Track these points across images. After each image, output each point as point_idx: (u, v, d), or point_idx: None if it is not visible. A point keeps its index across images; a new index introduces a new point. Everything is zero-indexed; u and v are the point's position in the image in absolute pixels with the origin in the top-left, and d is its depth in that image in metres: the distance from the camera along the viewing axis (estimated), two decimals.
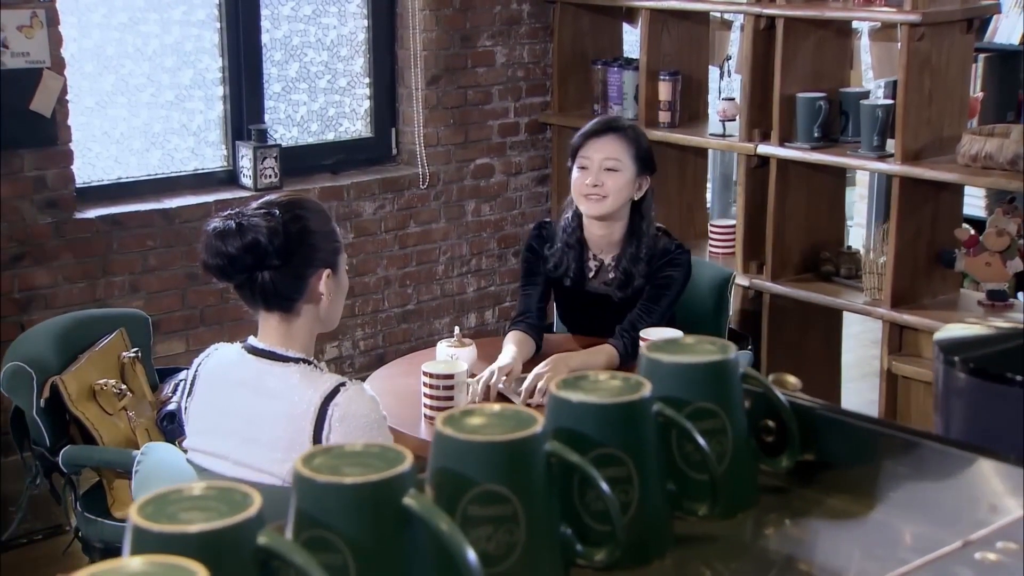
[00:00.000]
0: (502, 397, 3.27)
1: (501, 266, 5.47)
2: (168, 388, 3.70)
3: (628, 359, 3.44)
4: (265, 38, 4.91)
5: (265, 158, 4.74)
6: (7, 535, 4.05)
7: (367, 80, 5.22)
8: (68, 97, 4.30)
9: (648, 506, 1.14)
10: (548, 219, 3.97)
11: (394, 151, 5.28)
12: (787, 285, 4.68)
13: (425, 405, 3.20)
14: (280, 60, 4.99)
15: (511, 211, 5.49)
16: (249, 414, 2.53)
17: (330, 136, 5.19)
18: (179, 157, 4.80)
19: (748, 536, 1.23)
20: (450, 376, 3.18)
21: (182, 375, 3.50)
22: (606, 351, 3.48)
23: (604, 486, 1.08)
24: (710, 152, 5.56)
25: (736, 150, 4.86)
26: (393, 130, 5.26)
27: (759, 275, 4.75)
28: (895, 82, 4.67)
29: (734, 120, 4.81)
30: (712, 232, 5.08)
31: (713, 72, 5.29)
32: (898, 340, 4.39)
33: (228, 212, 2.53)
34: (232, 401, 2.57)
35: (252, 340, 2.60)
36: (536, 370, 3.30)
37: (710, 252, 5.02)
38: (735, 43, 5.14)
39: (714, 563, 1.19)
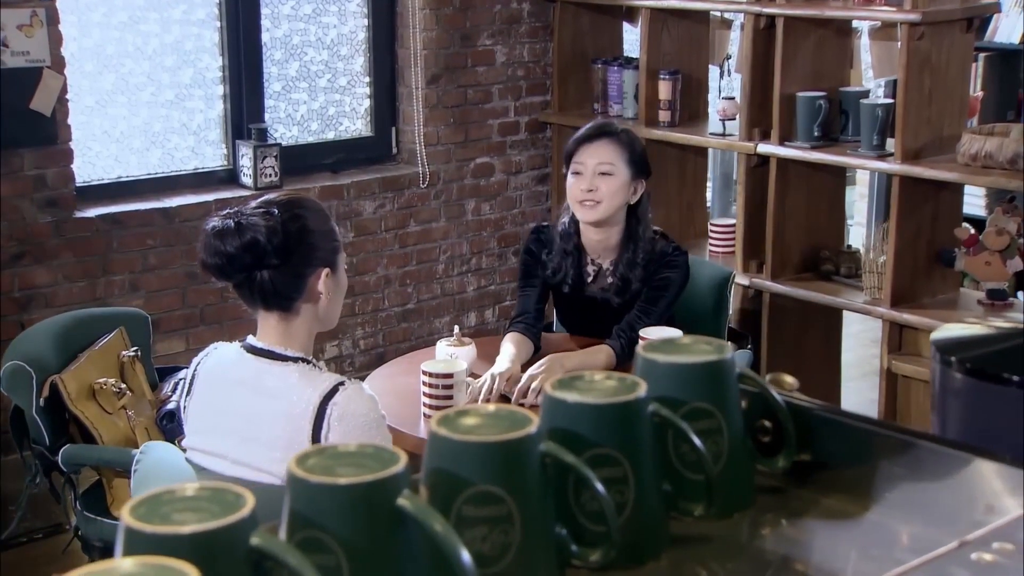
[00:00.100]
0: (503, 398, 3.27)
1: (501, 265, 5.47)
2: (168, 387, 3.70)
3: (625, 359, 3.43)
4: (265, 37, 4.91)
5: (265, 157, 4.74)
6: (7, 534, 4.05)
7: (367, 79, 5.22)
8: (68, 96, 4.30)
9: (644, 506, 1.14)
10: (546, 223, 3.96)
11: (394, 150, 5.28)
12: (787, 284, 4.67)
13: (424, 404, 3.20)
14: (280, 59, 4.99)
15: (511, 210, 5.49)
16: (248, 413, 2.53)
17: (330, 135, 5.19)
18: (179, 156, 4.80)
19: (744, 536, 1.23)
20: (449, 375, 3.18)
21: (182, 374, 3.49)
22: (603, 351, 3.47)
23: (599, 486, 1.07)
24: (710, 151, 5.56)
25: (736, 149, 4.86)
26: (393, 129, 5.26)
27: (759, 274, 4.75)
28: (895, 81, 4.66)
29: (734, 119, 4.81)
30: (712, 231, 5.08)
31: (713, 71, 5.28)
32: (898, 339, 4.38)
33: (227, 211, 2.53)
34: (231, 400, 2.57)
35: (251, 339, 2.60)
36: (531, 370, 3.30)
37: (710, 251, 5.02)
38: (735, 42, 5.14)
39: (710, 563, 1.19)
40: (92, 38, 4.54)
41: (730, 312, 4.26)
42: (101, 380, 3.54)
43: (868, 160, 4.43)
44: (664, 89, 5.00)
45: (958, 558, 1.05)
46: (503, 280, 5.46)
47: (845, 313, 4.91)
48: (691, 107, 5.15)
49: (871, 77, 5.26)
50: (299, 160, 4.99)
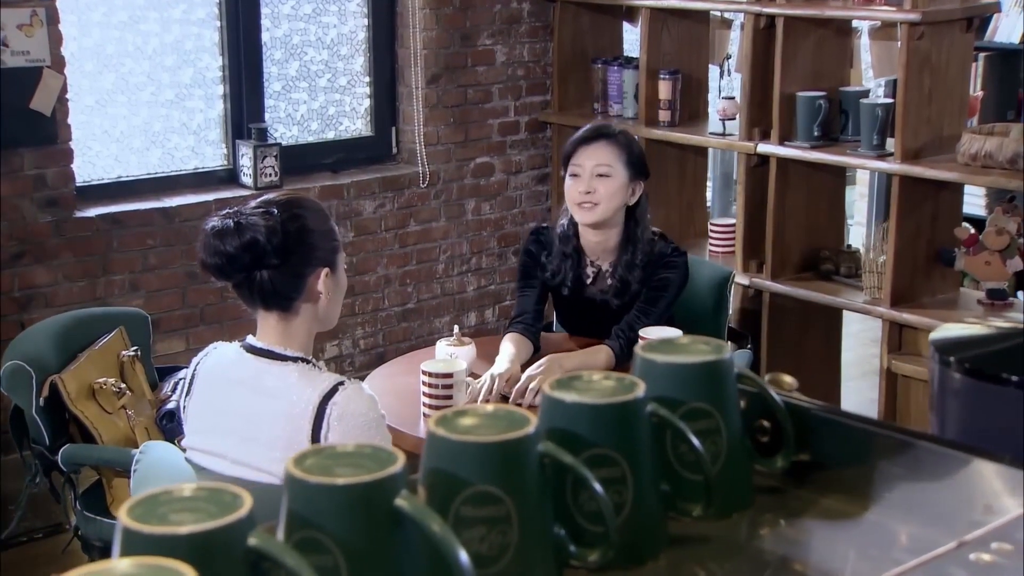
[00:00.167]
0: (503, 398, 3.27)
1: (501, 265, 5.47)
2: (167, 387, 3.70)
3: (624, 360, 3.43)
4: (265, 37, 4.91)
5: (265, 157, 4.74)
6: (7, 533, 4.05)
7: (367, 79, 5.22)
8: (68, 96, 4.30)
9: (642, 507, 1.14)
10: (546, 224, 3.96)
11: (394, 150, 5.28)
12: (787, 284, 4.67)
13: (424, 404, 3.20)
14: (280, 59, 4.99)
15: (511, 210, 5.49)
16: (247, 413, 2.53)
17: (330, 135, 5.19)
18: (179, 156, 4.80)
19: (743, 537, 1.23)
20: (449, 375, 3.18)
21: (181, 374, 3.49)
22: (602, 352, 3.47)
23: (597, 487, 1.07)
24: (710, 151, 5.56)
25: (736, 149, 4.86)
26: (393, 129, 5.26)
27: (759, 274, 4.75)
28: (895, 81, 4.66)
29: (734, 119, 4.80)
30: (712, 231, 5.07)
31: (713, 71, 5.28)
32: (898, 339, 4.38)
33: (226, 211, 2.53)
34: (230, 400, 2.57)
35: (251, 339, 2.60)
36: (529, 371, 3.30)
37: (710, 251, 5.02)
38: (735, 42, 5.14)
39: (708, 564, 1.19)
40: (92, 38, 4.54)
41: (730, 312, 4.25)
42: (101, 380, 3.54)
43: (868, 160, 4.43)
44: (664, 89, 5.00)
45: (956, 558, 1.05)
46: (503, 280, 5.46)
47: (845, 313, 4.91)
48: (691, 107, 5.15)
49: (871, 77, 5.26)
50: (299, 160, 4.99)
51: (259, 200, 2.56)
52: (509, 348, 3.46)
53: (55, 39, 4.21)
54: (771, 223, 4.65)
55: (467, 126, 5.28)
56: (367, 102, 5.24)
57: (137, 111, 4.69)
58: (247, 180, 4.76)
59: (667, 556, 1.16)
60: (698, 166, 5.35)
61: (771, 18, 4.57)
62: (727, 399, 1.23)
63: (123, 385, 3.59)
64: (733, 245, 4.89)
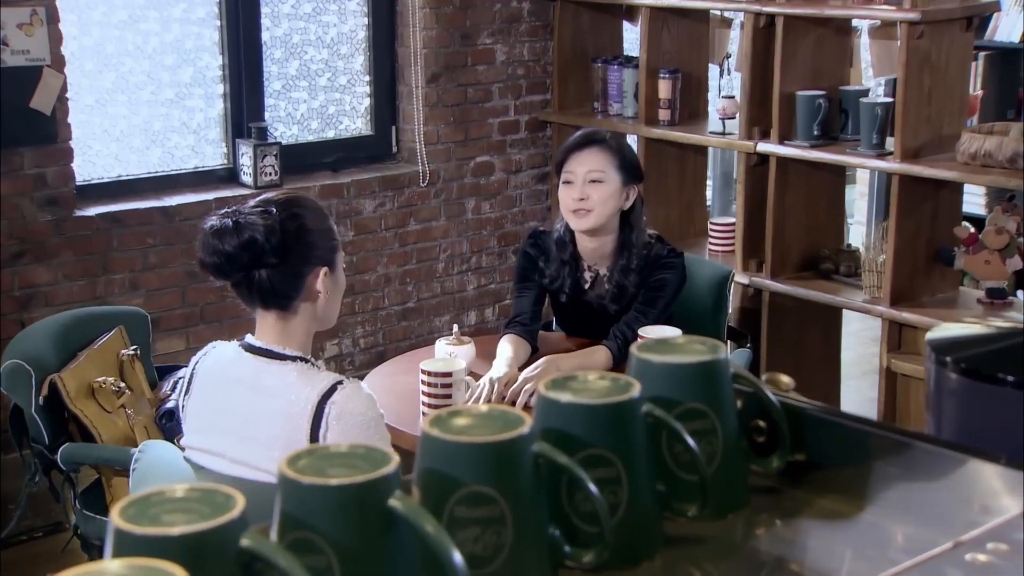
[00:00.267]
0: (503, 402, 3.27)
1: (501, 264, 5.47)
2: (167, 386, 3.70)
3: (622, 360, 3.42)
4: (265, 36, 4.91)
5: (265, 156, 4.74)
6: (6, 532, 4.05)
7: (367, 78, 5.22)
8: (68, 95, 4.30)
9: (637, 507, 1.14)
10: (543, 228, 3.95)
11: (394, 149, 5.28)
12: (787, 283, 4.67)
13: (423, 403, 3.20)
14: (280, 58, 4.99)
15: (511, 209, 5.49)
16: (246, 412, 2.53)
17: (330, 134, 5.19)
18: (179, 155, 4.80)
19: (738, 537, 1.23)
20: (448, 374, 3.18)
21: (181, 373, 3.49)
22: (599, 353, 3.46)
23: (592, 487, 1.07)
24: (710, 150, 5.56)
25: (736, 148, 4.86)
26: (393, 128, 5.26)
27: (759, 273, 4.75)
28: (895, 80, 4.66)
29: (734, 118, 4.80)
30: (712, 230, 5.07)
31: (713, 70, 5.28)
32: (897, 338, 4.38)
33: (225, 210, 2.53)
34: (229, 399, 2.57)
35: (249, 338, 2.60)
36: (525, 373, 3.29)
37: (710, 250, 5.02)
38: (735, 41, 5.14)
39: (704, 564, 1.19)
40: (92, 37, 4.54)
41: (730, 311, 4.25)
42: (100, 379, 3.54)
43: (868, 159, 4.43)
44: (664, 88, 5.00)
45: (952, 559, 1.05)
46: (503, 279, 5.46)
47: (845, 312, 4.91)
48: (691, 106, 5.15)
49: (871, 76, 5.26)
50: (299, 159, 4.99)
51: (258, 199, 2.56)
52: (507, 350, 3.45)
53: (55, 38, 4.21)
54: (771, 222, 4.65)
55: (467, 125, 5.28)
56: (367, 101, 5.24)
57: (137, 110, 4.69)
58: (247, 179, 4.76)
59: (662, 556, 1.16)
60: (698, 165, 5.35)
61: (771, 17, 4.57)
62: (723, 399, 1.23)
63: (122, 384, 3.59)
64: (733, 244, 4.89)
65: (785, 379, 1.34)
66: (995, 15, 5.94)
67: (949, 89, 4.33)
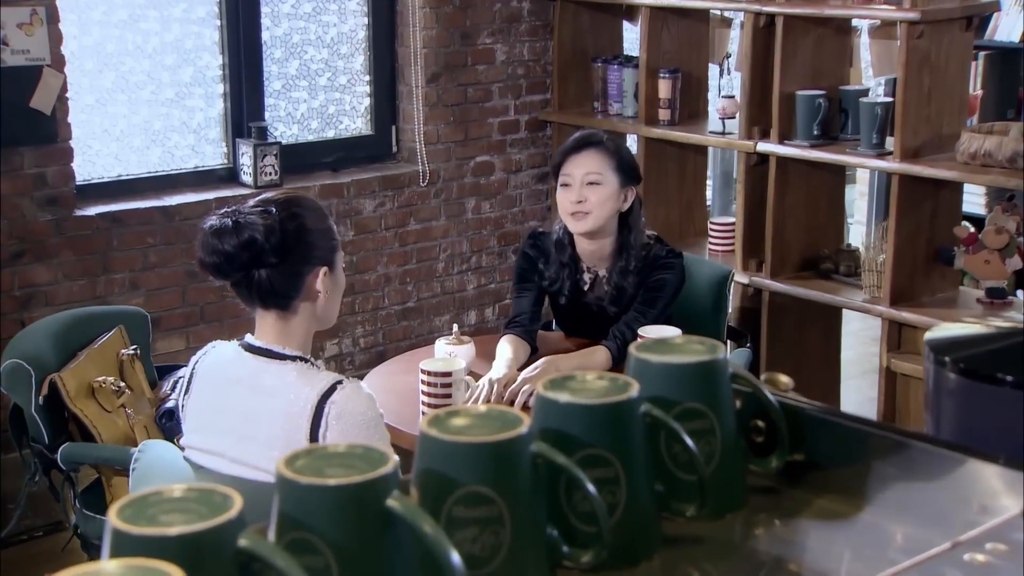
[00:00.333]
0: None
1: (501, 263, 5.47)
2: (167, 385, 3.70)
3: (621, 360, 3.41)
4: (265, 35, 4.91)
5: (265, 155, 4.74)
6: (6, 532, 4.05)
7: (367, 77, 5.22)
8: (68, 94, 4.30)
9: (635, 507, 1.14)
10: (542, 229, 3.95)
11: (394, 148, 5.28)
12: (786, 283, 4.67)
13: (423, 403, 3.20)
14: (280, 57, 4.99)
15: (511, 208, 5.49)
16: (246, 412, 2.53)
17: (330, 134, 5.19)
18: (179, 154, 4.80)
19: (737, 537, 1.23)
20: (447, 374, 3.17)
21: (181, 372, 3.49)
22: (599, 353, 3.46)
23: (590, 487, 1.07)
24: (710, 150, 5.56)
25: (736, 148, 4.86)
26: (393, 127, 5.26)
27: (759, 273, 4.75)
28: (895, 80, 4.66)
29: (734, 118, 4.80)
30: (712, 229, 5.07)
31: (713, 70, 5.28)
32: (897, 337, 4.38)
33: (224, 210, 2.53)
34: (229, 399, 2.57)
35: (249, 338, 2.60)
36: (524, 373, 3.29)
37: (710, 250, 5.02)
38: (735, 41, 5.14)
39: (702, 564, 1.19)
40: (92, 36, 4.54)
41: (729, 310, 4.25)
42: (100, 378, 3.54)
43: (867, 159, 4.43)
44: (664, 88, 5.00)
45: (951, 559, 1.05)
46: (503, 278, 5.46)
47: (844, 311, 4.91)
48: (691, 105, 5.15)
49: (871, 76, 5.26)
50: (299, 158, 4.99)
51: (257, 199, 2.56)
52: (506, 351, 3.45)
53: (55, 38, 4.21)
54: (771, 222, 4.65)
55: (467, 125, 5.28)
56: (367, 101, 5.24)
57: (137, 110, 4.69)
58: (247, 179, 4.76)
59: (661, 556, 1.16)
60: (698, 165, 5.35)
61: (771, 17, 4.57)
62: (721, 399, 1.23)
63: (122, 384, 3.59)
64: (733, 244, 4.89)
65: (784, 379, 1.34)
66: (995, 15, 5.94)
67: (949, 89, 4.33)
